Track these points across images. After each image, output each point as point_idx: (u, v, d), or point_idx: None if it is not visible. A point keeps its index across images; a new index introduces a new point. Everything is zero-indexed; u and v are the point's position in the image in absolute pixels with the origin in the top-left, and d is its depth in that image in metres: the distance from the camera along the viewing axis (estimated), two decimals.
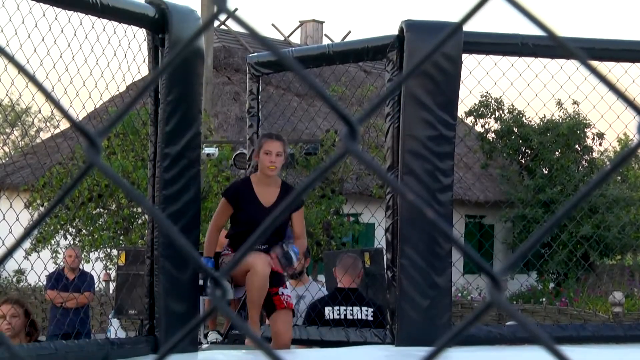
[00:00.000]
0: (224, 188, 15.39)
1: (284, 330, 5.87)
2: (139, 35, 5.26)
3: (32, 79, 0.90)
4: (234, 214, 5.85)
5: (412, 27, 5.65)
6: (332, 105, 0.72)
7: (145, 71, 5.44)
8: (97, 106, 6.82)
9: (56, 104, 0.88)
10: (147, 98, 5.29)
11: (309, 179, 0.81)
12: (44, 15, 4.80)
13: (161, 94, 5.09)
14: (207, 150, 14.70)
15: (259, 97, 7.07)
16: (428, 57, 0.79)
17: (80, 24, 5.03)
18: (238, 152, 12.80)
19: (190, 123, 5.19)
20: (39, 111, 36.36)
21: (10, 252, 0.88)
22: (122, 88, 5.95)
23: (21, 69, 0.89)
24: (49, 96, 0.88)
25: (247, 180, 5.98)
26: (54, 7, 4.70)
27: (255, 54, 7.40)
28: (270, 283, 5.68)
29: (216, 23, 20.61)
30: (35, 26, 4.85)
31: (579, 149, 24.41)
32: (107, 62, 5.32)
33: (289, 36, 28.01)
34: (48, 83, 5.04)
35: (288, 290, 6.09)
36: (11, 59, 0.92)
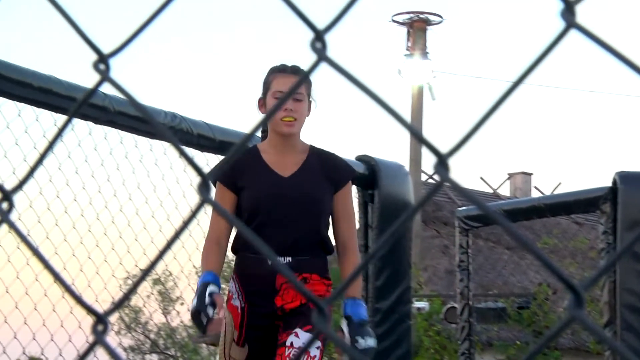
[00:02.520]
0: (434, 342, 15.28)
1: None
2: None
3: None
4: (238, 202, 3.69)
5: (626, 179, 5.50)
6: (553, 268, 0.68)
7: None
8: None
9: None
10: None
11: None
12: None
13: (372, 249, 5.12)
14: (417, 304, 14.60)
15: (469, 251, 7.01)
16: None
17: None
18: (449, 306, 12.66)
19: (401, 278, 5.18)
20: None
21: None
22: None
23: None
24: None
25: (251, 150, 3.75)
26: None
27: (464, 207, 7.37)
28: (285, 323, 3.66)
29: (424, 177, 20.79)
30: None
31: None
32: None
33: (497, 188, 27.87)
34: None
35: (303, 337, 3.61)
36: None
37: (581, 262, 15.58)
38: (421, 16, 18.83)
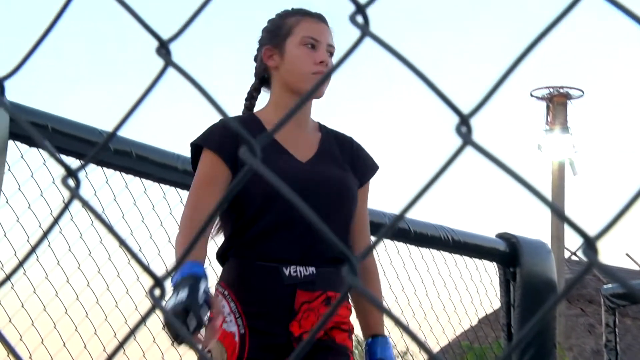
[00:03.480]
0: None
1: None
2: (490, 269, 5.28)
3: None
4: (238, 194, 2.58)
5: None
6: None
7: (497, 304, 5.41)
8: (450, 340, 6.84)
9: None
10: (501, 332, 5.24)
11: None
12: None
13: (514, 328, 5.03)
14: None
15: (616, 330, 6.81)
16: None
17: (433, 260, 5.13)
18: None
19: (545, 357, 5.05)
20: None
21: None
22: (474, 322, 5.93)
23: None
24: None
25: (251, 119, 2.73)
26: (408, 244, 4.83)
27: (610, 285, 7.18)
28: None
29: (567, 254, 20.35)
30: None
31: None
32: (459, 297, 5.35)
33: None
34: (397, 307, 5.13)
35: None
36: None
37: None
38: (561, 90, 18.61)
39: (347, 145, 2.79)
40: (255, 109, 2.78)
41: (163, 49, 0.78)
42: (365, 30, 0.71)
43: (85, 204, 0.80)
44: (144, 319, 0.79)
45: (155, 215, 3.42)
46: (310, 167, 2.65)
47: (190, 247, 0.85)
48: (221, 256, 2.64)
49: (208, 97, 0.77)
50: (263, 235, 2.57)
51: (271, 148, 2.60)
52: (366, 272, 2.72)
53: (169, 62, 0.76)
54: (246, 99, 2.79)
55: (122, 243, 0.83)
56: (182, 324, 2.25)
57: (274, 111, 2.68)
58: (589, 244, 0.73)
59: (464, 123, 0.68)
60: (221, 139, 2.58)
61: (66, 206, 0.78)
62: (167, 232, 3.51)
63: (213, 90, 0.80)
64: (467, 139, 0.67)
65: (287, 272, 2.54)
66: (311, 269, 2.56)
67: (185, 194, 3.33)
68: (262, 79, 2.76)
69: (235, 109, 2.82)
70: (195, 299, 2.28)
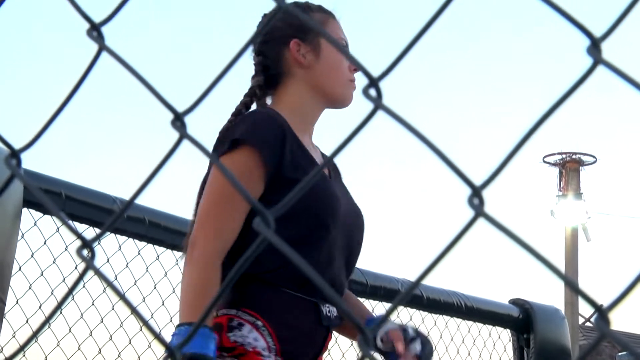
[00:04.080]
0: None
1: None
2: (503, 336, 5.25)
3: None
4: (264, 198, 2.11)
5: None
6: None
7: None
8: None
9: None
10: None
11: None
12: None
13: None
14: None
15: None
16: None
17: (446, 326, 5.10)
18: None
19: None
20: None
21: None
22: None
23: None
24: None
25: (283, 121, 2.20)
26: (419, 309, 4.82)
27: (624, 352, 7.12)
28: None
29: (580, 320, 20.21)
30: None
31: None
32: None
33: None
34: None
35: None
36: None
37: None
38: (573, 157, 18.65)
39: (336, 166, 2.48)
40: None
41: (178, 121, 0.79)
42: (378, 104, 0.72)
43: (100, 275, 0.81)
44: None
45: (168, 281, 3.42)
46: (342, 195, 2.27)
47: (207, 312, 0.84)
48: (248, 276, 2.10)
49: (223, 169, 0.78)
50: (317, 264, 2.11)
51: (306, 158, 2.20)
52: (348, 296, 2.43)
53: (184, 134, 0.77)
54: (247, 95, 2.31)
55: (134, 311, 0.83)
56: None
57: (291, 114, 2.24)
58: (601, 315, 0.73)
59: (476, 195, 0.69)
60: (270, 135, 2.11)
61: (81, 277, 0.79)
62: (179, 298, 3.51)
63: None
64: (479, 210, 0.68)
65: (324, 311, 2.18)
66: (334, 310, 2.23)
67: None
68: (269, 77, 2.32)
69: None
70: None
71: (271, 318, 2.09)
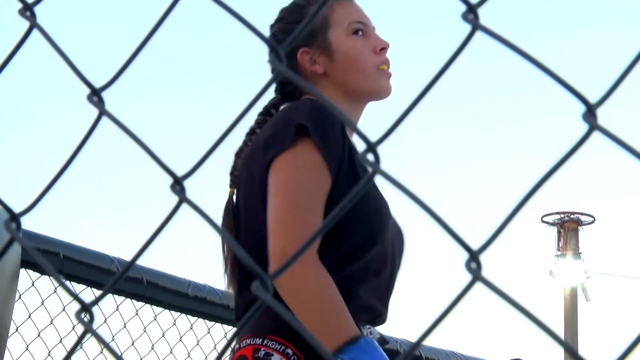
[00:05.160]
0: None
1: None
2: None
3: None
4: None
5: None
6: None
7: None
8: None
9: None
10: None
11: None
12: None
13: None
14: None
15: None
16: None
17: None
18: None
19: None
20: None
21: None
22: None
23: None
24: None
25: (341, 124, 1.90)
26: None
27: None
28: None
29: None
30: None
31: None
32: None
33: None
34: None
35: None
36: None
37: None
38: (572, 216, 18.67)
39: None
40: None
41: (177, 185, 0.79)
42: (375, 168, 0.73)
43: (98, 338, 0.81)
44: None
45: (166, 342, 3.41)
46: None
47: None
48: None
49: (220, 231, 0.79)
50: (359, 277, 1.81)
51: (361, 167, 1.88)
52: None
53: (183, 199, 0.78)
54: (261, 113, 2.06)
55: None
56: None
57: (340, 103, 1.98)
58: None
59: (473, 259, 0.69)
60: (337, 134, 1.84)
61: (79, 340, 0.79)
62: (176, 358, 3.49)
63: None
64: (476, 274, 0.68)
65: (365, 333, 1.79)
66: (378, 332, 1.88)
67: (195, 320, 3.33)
68: (285, 94, 2.06)
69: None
70: None
71: (304, 344, 1.74)
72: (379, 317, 1.88)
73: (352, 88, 1.99)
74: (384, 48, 2.00)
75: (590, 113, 0.70)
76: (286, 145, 1.80)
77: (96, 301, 0.81)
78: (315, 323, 1.63)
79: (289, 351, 1.76)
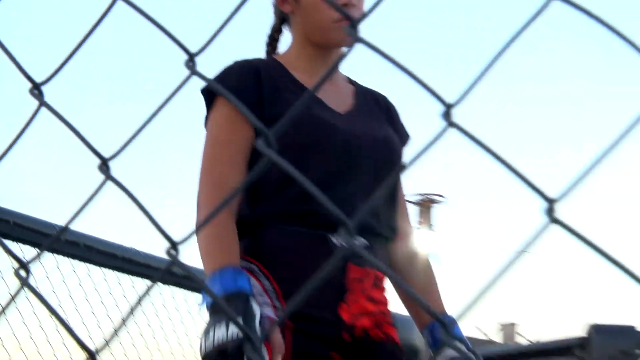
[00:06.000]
0: None
1: None
2: None
3: None
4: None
5: (597, 329, 5.44)
6: None
7: None
8: None
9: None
10: None
11: None
12: None
13: None
14: None
15: None
16: None
17: None
18: None
19: None
20: None
21: None
22: None
23: None
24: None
25: (272, 63, 1.80)
26: None
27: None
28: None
29: None
30: None
31: None
32: None
33: (490, 336, 27.24)
34: None
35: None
36: None
37: None
38: (428, 197, 19.07)
39: (382, 102, 1.92)
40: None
41: (104, 166, 0.76)
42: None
43: (34, 291, 0.77)
44: None
45: (97, 294, 3.35)
46: (350, 119, 1.76)
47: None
48: (243, 225, 1.65)
49: (137, 202, 0.76)
50: (306, 196, 1.62)
51: (298, 92, 1.74)
52: (414, 255, 1.90)
53: (108, 177, 0.75)
54: (267, 43, 1.93)
55: (62, 322, 0.80)
56: None
57: (297, 59, 1.82)
58: (443, 327, 0.72)
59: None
60: (239, 84, 1.69)
61: (16, 293, 0.76)
62: (106, 307, 3.44)
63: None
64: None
65: (337, 242, 1.62)
66: (363, 240, 1.66)
67: (123, 277, 3.30)
68: (282, 19, 1.91)
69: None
70: (255, 334, 1.41)
71: (267, 259, 1.63)
72: (360, 229, 1.55)
73: (309, 36, 1.80)
74: (346, 3, 1.74)
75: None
76: (206, 109, 1.73)
77: (33, 259, 0.78)
78: (202, 256, 1.58)
79: (254, 266, 1.64)
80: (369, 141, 1.74)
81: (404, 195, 1.90)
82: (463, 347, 1.68)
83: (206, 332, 1.41)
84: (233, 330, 1.38)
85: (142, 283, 3.38)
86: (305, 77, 1.77)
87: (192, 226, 1.68)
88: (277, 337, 1.49)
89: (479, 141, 0.70)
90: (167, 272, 0.78)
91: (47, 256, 3.13)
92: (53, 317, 0.76)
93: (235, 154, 1.65)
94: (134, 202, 0.76)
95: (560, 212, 0.66)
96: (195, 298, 3.54)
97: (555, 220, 0.65)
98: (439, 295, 1.84)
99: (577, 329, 5.71)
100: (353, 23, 0.71)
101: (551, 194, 0.67)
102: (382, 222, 1.73)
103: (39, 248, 2.92)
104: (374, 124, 1.80)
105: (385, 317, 1.71)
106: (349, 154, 1.69)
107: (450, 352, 1.70)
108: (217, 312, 1.45)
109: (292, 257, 1.61)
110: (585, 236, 0.63)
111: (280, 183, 1.63)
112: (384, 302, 1.72)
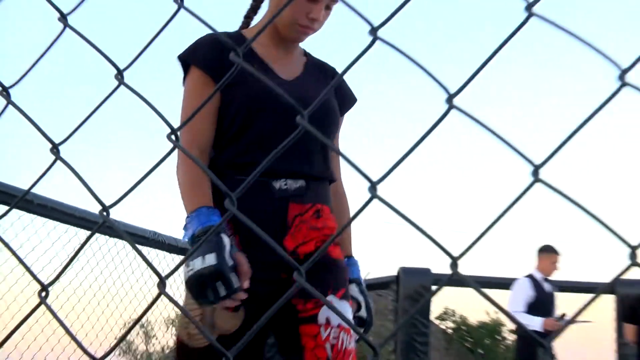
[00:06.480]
0: None
1: None
2: None
3: None
4: (222, 108, 1.83)
5: (404, 271, 6.12)
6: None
7: None
8: None
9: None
10: None
11: None
12: None
13: None
14: None
15: None
16: None
17: None
18: None
19: None
20: None
21: None
22: None
23: None
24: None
25: (236, 37, 1.90)
26: None
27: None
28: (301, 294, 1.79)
29: None
30: None
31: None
32: None
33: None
34: None
35: (341, 308, 1.78)
36: None
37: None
38: None
39: (330, 72, 2.02)
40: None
41: (55, 149, 0.89)
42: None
43: (1, 240, 0.90)
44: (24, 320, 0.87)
45: (49, 237, 3.47)
46: (294, 86, 1.87)
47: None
48: (211, 168, 1.81)
49: (82, 181, 0.90)
50: (249, 148, 1.77)
51: (254, 62, 1.85)
52: (337, 194, 2.03)
53: (57, 158, 0.88)
54: (242, 21, 2.06)
55: (14, 253, 0.94)
56: (209, 291, 1.52)
57: (264, 34, 1.91)
58: None
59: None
60: (208, 54, 1.80)
61: None
62: (66, 251, 3.56)
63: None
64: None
65: (277, 186, 1.78)
66: (300, 182, 1.80)
67: (81, 232, 3.48)
68: (259, 2, 2.03)
69: None
70: (225, 262, 1.52)
71: (220, 203, 1.73)
72: (298, 172, 1.82)
73: (275, 22, 1.89)
74: (314, 19, 1.84)
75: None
76: (183, 76, 1.86)
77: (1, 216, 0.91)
78: (182, 199, 1.71)
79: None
80: (307, 103, 1.83)
81: (337, 147, 2.01)
82: (355, 287, 1.94)
83: (186, 264, 1.54)
84: (208, 259, 1.51)
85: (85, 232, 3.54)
86: (263, 50, 1.89)
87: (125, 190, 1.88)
88: (244, 263, 1.58)
89: (479, 121, 0.71)
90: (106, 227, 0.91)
91: (23, 215, 3.28)
92: (13, 256, 0.89)
93: (208, 111, 1.80)
94: (76, 176, 0.90)
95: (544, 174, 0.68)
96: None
97: (539, 180, 0.67)
98: (350, 236, 2.03)
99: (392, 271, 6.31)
100: (372, 184, 0.77)
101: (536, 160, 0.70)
102: (315, 167, 1.86)
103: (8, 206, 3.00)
104: (316, 90, 1.90)
105: (328, 238, 1.85)
106: (289, 116, 1.79)
107: (353, 287, 1.94)
108: (193, 242, 1.60)
109: (242, 201, 1.72)
110: (567, 194, 0.65)
111: (234, 134, 1.78)
112: (328, 227, 1.87)
